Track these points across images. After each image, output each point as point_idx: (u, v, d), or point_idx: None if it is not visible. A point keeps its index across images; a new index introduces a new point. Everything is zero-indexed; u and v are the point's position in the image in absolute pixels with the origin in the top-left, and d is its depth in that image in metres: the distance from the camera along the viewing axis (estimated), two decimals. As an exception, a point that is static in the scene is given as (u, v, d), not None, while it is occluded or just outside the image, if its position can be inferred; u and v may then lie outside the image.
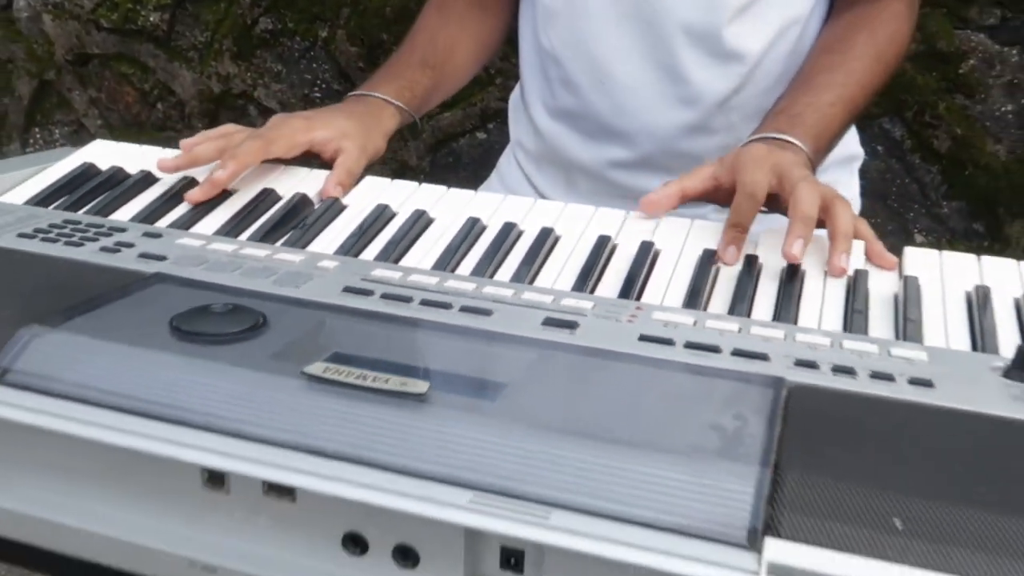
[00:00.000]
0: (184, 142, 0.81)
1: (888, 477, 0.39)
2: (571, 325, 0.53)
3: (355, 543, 0.42)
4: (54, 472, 0.47)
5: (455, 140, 1.85)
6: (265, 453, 0.42)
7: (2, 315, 0.52)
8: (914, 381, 0.48)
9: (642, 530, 0.38)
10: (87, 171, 0.82)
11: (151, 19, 1.92)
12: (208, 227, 0.72)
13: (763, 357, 0.50)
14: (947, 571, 0.35)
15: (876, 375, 0.49)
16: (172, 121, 2.02)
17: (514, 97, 1.21)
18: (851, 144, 1.12)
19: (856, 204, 1.10)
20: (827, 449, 0.42)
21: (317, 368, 0.46)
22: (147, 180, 0.80)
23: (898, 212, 1.63)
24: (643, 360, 0.50)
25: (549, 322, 0.54)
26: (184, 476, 0.44)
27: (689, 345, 0.51)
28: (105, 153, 0.86)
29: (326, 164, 0.83)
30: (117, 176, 0.81)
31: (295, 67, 1.90)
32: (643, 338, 0.52)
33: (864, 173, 1.48)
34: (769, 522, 0.37)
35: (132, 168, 0.82)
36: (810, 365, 0.49)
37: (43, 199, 0.75)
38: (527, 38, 1.10)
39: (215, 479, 0.44)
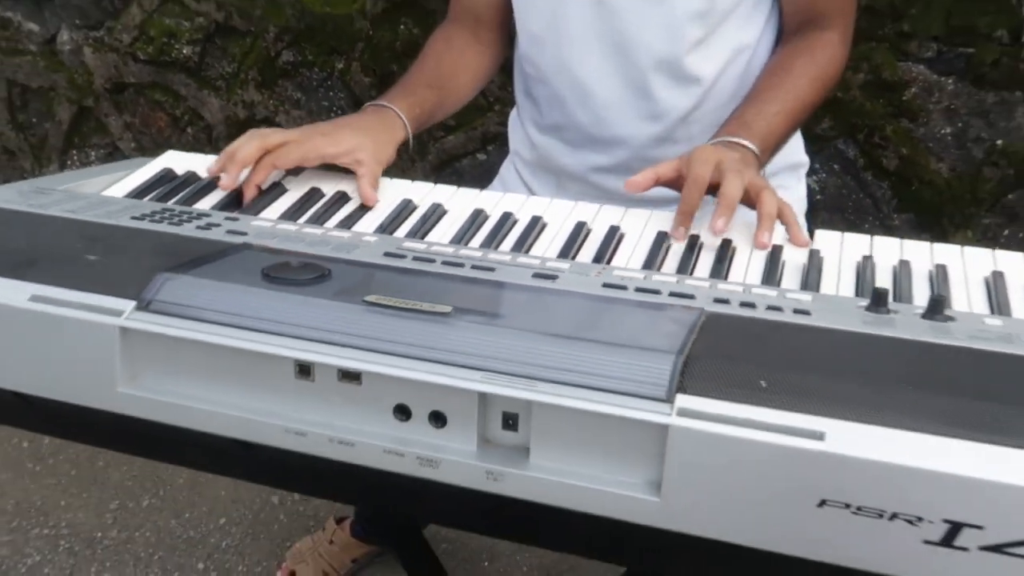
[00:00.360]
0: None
1: (761, 361, 0.59)
2: (553, 277, 0.73)
3: (402, 412, 0.61)
4: (188, 371, 0.66)
5: (458, 160, 2.05)
6: (339, 351, 0.62)
7: (140, 267, 0.71)
8: (797, 311, 0.68)
9: (597, 392, 0.57)
10: (167, 174, 1.01)
11: (184, 52, 2.12)
12: (272, 214, 0.91)
13: (691, 296, 0.70)
14: (790, 409, 0.54)
15: (770, 307, 0.68)
16: (200, 144, 2.22)
17: (512, 116, 1.42)
18: (797, 153, 1.32)
19: (802, 205, 1.29)
20: (724, 348, 0.61)
21: (373, 297, 0.65)
22: (212, 184, 0.99)
23: (854, 224, 1.83)
24: (603, 298, 0.69)
25: (537, 275, 0.73)
26: (281, 369, 0.63)
27: (639, 290, 0.71)
28: (178, 160, 1.05)
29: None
30: (192, 178, 1.00)
31: (314, 95, 2.11)
32: (605, 285, 0.71)
33: (823, 189, 1.70)
34: (679, 385, 0.56)
35: (202, 172, 1.02)
36: (724, 302, 0.69)
37: (138, 193, 0.95)
38: (517, 68, 1.31)
39: (304, 370, 0.63)
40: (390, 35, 1.98)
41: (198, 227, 0.82)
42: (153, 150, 2.18)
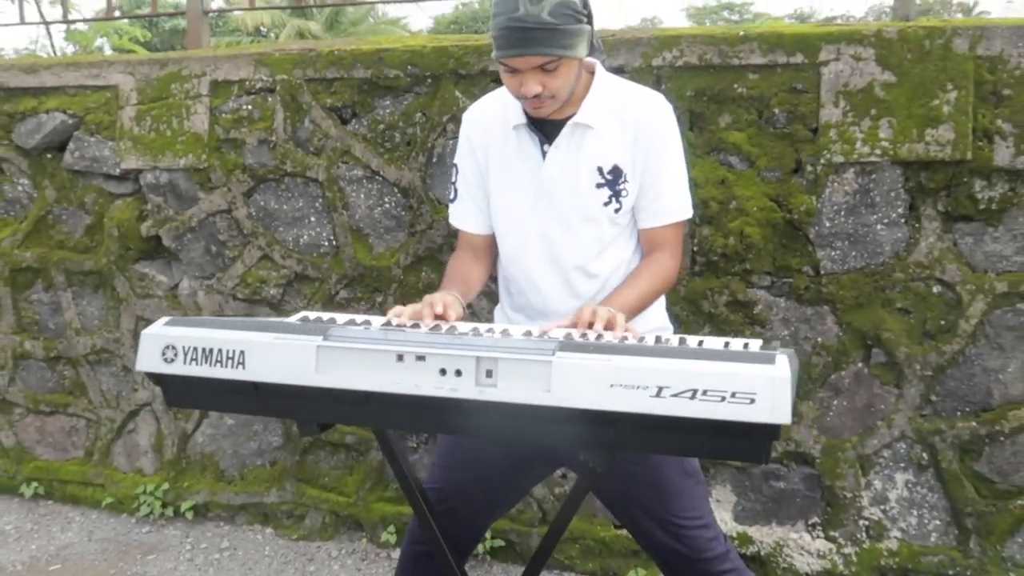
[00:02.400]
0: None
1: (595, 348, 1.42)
2: (508, 333, 1.57)
3: (442, 372, 1.42)
4: (346, 361, 1.47)
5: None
6: (414, 346, 1.44)
7: (316, 329, 1.55)
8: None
9: (529, 352, 1.40)
10: (306, 316, 1.87)
11: (271, 293, 3.04)
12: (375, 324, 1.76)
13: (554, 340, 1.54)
14: (598, 351, 1.37)
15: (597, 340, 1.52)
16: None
17: (497, 308, 2.30)
18: (662, 320, 2.17)
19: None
20: (576, 345, 1.44)
21: (427, 331, 1.49)
22: (333, 319, 1.85)
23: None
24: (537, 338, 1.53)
25: (488, 330, 1.57)
26: (388, 358, 1.45)
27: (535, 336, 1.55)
28: (309, 314, 1.91)
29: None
30: (321, 317, 1.86)
31: (359, 321, 3.00)
32: (524, 334, 1.56)
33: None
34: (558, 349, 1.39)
35: (324, 317, 1.87)
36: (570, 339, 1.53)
37: (298, 319, 1.80)
38: (500, 272, 2.21)
39: (400, 357, 1.45)
40: (415, 279, 2.91)
41: (343, 324, 1.66)
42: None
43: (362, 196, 2.92)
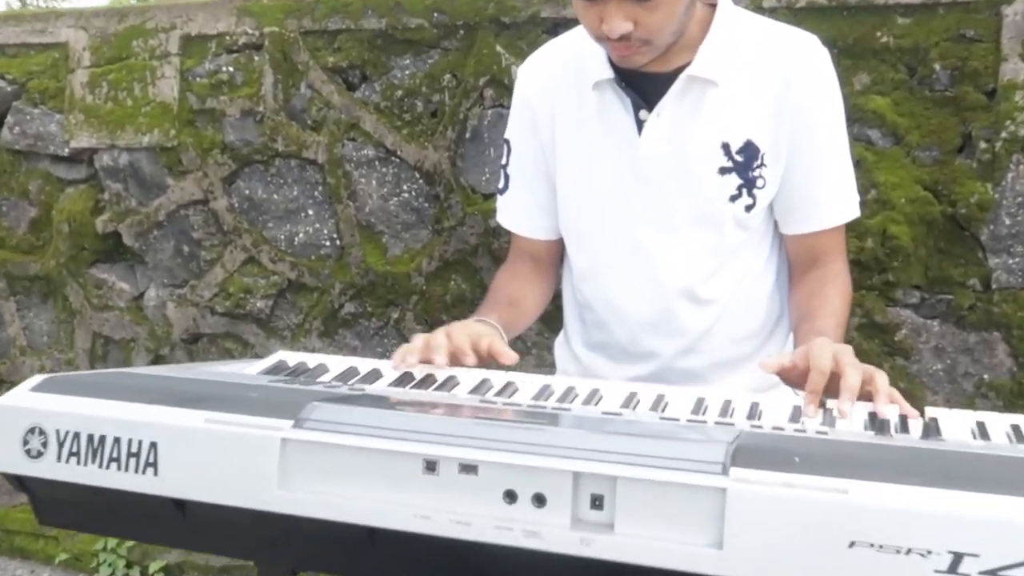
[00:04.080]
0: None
1: (792, 450, 0.76)
2: (618, 415, 0.91)
3: (509, 496, 0.77)
4: (336, 473, 0.83)
5: (498, 399, 2.25)
6: (459, 451, 0.79)
7: (291, 401, 0.90)
8: (818, 432, 0.85)
9: (667, 471, 0.74)
10: (282, 363, 1.22)
11: (258, 305, 2.41)
12: (377, 385, 1.11)
13: (732, 424, 0.88)
14: (819, 474, 0.70)
15: (796, 430, 0.86)
16: (263, 386, 2.44)
17: (559, 340, 1.65)
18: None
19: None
20: (763, 443, 0.78)
21: (483, 414, 0.83)
22: (322, 368, 1.20)
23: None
24: (663, 420, 0.87)
25: (606, 413, 0.91)
26: (411, 466, 0.80)
27: (690, 420, 0.89)
28: (288, 356, 1.26)
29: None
30: (301, 367, 1.21)
31: (369, 343, 2.36)
32: (663, 419, 0.90)
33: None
34: (733, 460, 0.73)
35: (310, 364, 1.22)
36: (758, 427, 0.87)
37: (265, 373, 1.15)
38: (568, 296, 1.56)
39: (430, 466, 0.80)
40: (441, 290, 2.26)
41: (325, 387, 1.02)
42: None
43: (374, 183, 2.28)
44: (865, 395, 1.07)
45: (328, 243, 2.36)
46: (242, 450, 0.84)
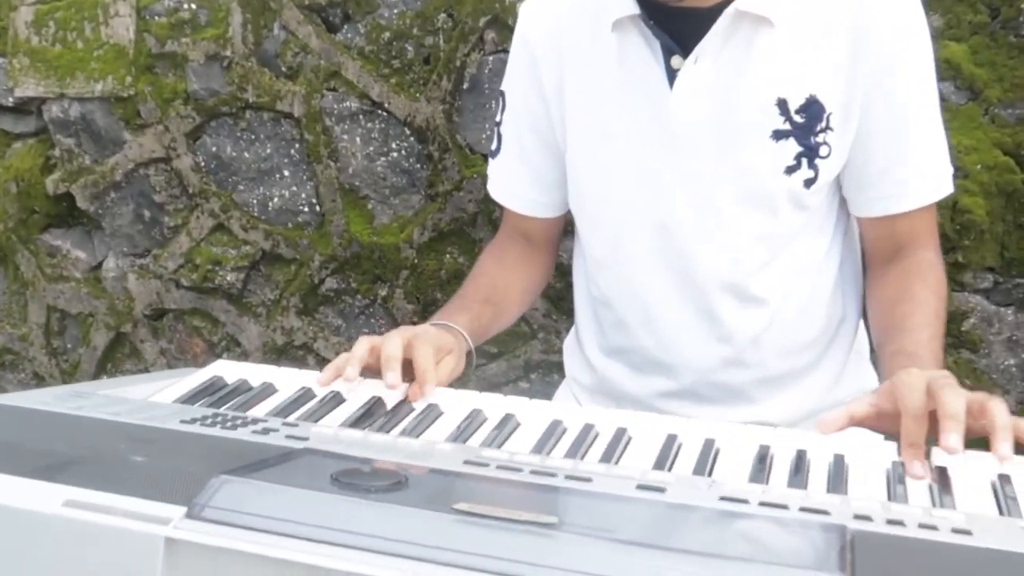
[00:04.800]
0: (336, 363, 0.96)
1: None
2: (659, 489, 0.64)
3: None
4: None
5: (499, 389, 1.99)
6: (429, 569, 0.52)
7: (191, 471, 0.63)
8: (956, 531, 0.58)
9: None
10: (217, 382, 0.95)
11: (228, 278, 2.14)
12: (331, 421, 0.84)
13: (825, 512, 0.60)
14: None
15: (923, 526, 0.58)
16: (235, 369, 2.18)
17: (569, 341, 1.37)
18: (868, 380, 1.25)
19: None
20: (890, 572, 0.51)
21: (462, 506, 0.56)
22: (269, 389, 0.93)
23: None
24: (724, 512, 0.60)
25: (641, 487, 0.64)
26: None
27: (763, 504, 0.61)
28: (227, 369, 0.99)
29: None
30: (243, 386, 0.94)
31: (354, 322, 2.09)
32: (723, 499, 0.62)
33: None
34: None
35: (253, 381, 0.95)
36: (865, 518, 0.59)
37: (187, 399, 0.88)
38: (580, 289, 1.28)
39: (381, 592, 0.53)
40: (435, 263, 1.99)
41: (254, 431, 0.74)
42: (185, 376, 2.14)
43: (358, 140, 1.99)
44: (978, 429, 0.80)
45: (306, 209, 2.07)
46: (113, 551, 0.58)
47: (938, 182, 1.08)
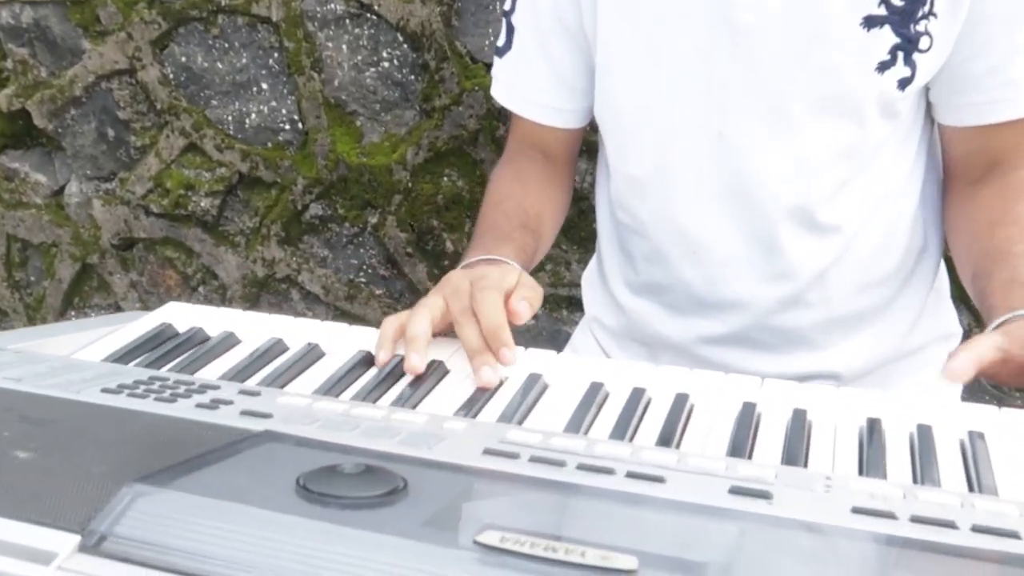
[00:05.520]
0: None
1: None
2: (764, 495, 0.45)
3: None
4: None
5: (503, 326, 1.81)
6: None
7: (95, 474, 0.44)
8: None
9: None
10: (165, 331, 0.76)
11: (202, 204, 1.93)
12: (304, 387, 0.65)
13: (1014, 535, 0.41)
14: None
15: None
16: (213, 305, 1.98)
17: (589, 273, 1.18)
18: (949, 322, 1.07)
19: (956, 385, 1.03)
20: None
21: (490, 537, 0.37)
22: (230, 340, 0.74)
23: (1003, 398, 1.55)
24: (867, 536, 0.41)
25: (736, 491, 0.45)
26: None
27: (915, 519, 0.43)
28: (181, 314, 0.80)
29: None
30: (197, 336, 0.75)
31: (342, 252, 1.90)
32: (856, 511, 0.44)
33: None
34: None
35: (211, 330, 0.76)
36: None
37: (122, 356, 0.69)
38: (606, 215, 1.08)
39: None
40: (431, 187, 1.78)
41: (199, 405, 0.55)
42: (159, 312, 1.95)
43: (344, 48, 1.77)
44: None
45: (287, 127, 1.85)
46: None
47: None
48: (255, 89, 1.85)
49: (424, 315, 0.73)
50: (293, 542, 0.38)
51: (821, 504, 0.44)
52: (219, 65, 1.86)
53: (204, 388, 0.59)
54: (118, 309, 2.09)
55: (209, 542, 0.39)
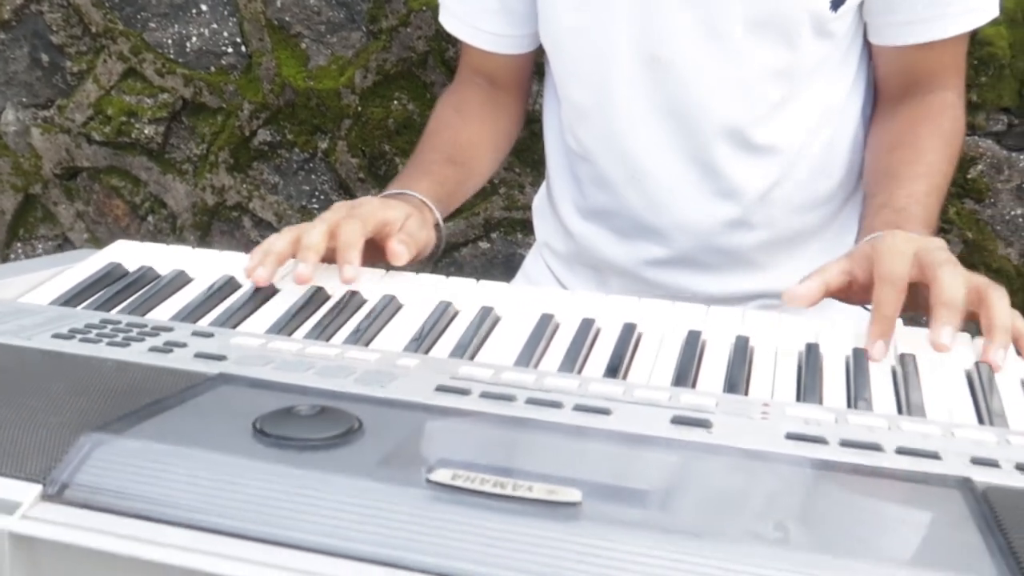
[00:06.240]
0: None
1: None
2: (704, 424, 0.47)
3: None
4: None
5: (457, 250, 1.81)
6: (395, 577, 0.35)
7: (53, 423, 0.44)
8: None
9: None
10: (114, 271, 0.75)
11: (145, 132, 1.88)
12: (258, 326, 0.65)
13: (934, 456, 0.44)
14: None
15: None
16: (163, 235, 1.96)
17: (539, 199, 1.19)
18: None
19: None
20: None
21: (442, 475, 0.39)
22: (181, 279, 0.74)
23: (916, 317, 1.60)
24: (804, 462, 0.44)
25: (678, 421, 0.48)
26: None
27: (844, 443, 0.45)
28: (130, 253, 0.80)
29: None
30: (148, 275, 0.75)
31: (292, 179, 1.87)
32: (790, 437, 0.46)
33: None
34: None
35: (162, 268, 0.76)
36: (989, 464, 0.44)
37: (71, 299, 0.69)
38: (553, 141, 1.09)
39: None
40: (381, 111, 1.76)
41: (152, 348, 0.56)
42: (109, 242, 1.92)
43: (286, -33, 1.71)
44: (969, 317, 0.65)
45: (230, 50, 1.80)
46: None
47: (982, 4, 0.90)
48: (194, 11, 1.79)
49: (316, 229, 0.74)
50: (251, 484, 0.40)
51: (757, 431, 0.47)
52: (156, -14, 1.79)
53: (157, 330, 0.59)
54: (65, 240, 2.05)
55: (169, 487, 0.40)
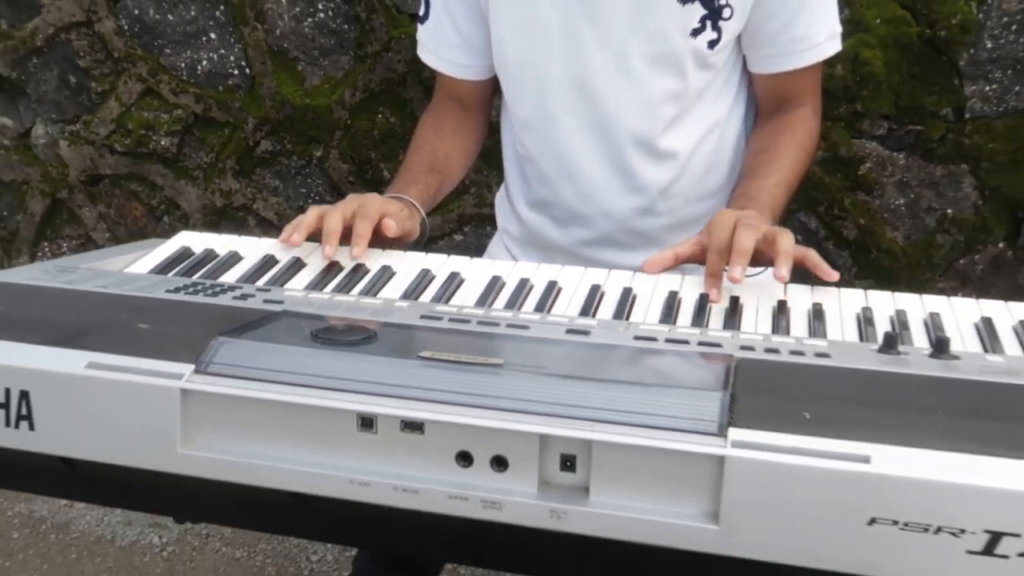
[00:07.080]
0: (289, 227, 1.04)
1: (797, 396, 0.63)
2: (585, 332, 0.77)
3: (464, 458, 0.64)
4: (250, 430, 0.68)
5: (435, 242, 2.10)
6: (401, 404, 0.65)
7: (192, 334, 0.73)
8: (818, 354, 0.73)
9: (653, 430, 0.61)
10: (185, 252, 1.04)
11: (162, 143, 2.16)
12: (298, 284, 0.95)
13: (718, 345, 0.74)
14: (836, 437, 0.58)
15: (793, 352, 0.73)
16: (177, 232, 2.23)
17: (500, 195, 1.48)
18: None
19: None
20: (762, 386, 0.66)
21: (427, 354, 0.69)
22: (235, 257, 1.03)
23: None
24: (638, 349, 0.74)
25: (570, 331, 0.77)
26: (343, 423, 0.66)
27: (669, 340, 0.75)
28: (194, 240, 1.08)
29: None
30: (211, 255, 1.03)
31: (291, 183, 2.15)
32: (636, 338, 0.76)
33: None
34: (730, 419, 0.61)
35: (220, 250, 1.05)
36: (749, 348, 0.74)
37: (162, 269, 0.98)
38: (509, 147, 1.38)
39: (366, 423, 0.66)
40: (367, 123, 2.04)
41: (234, 298, 0.85)
42: (128, 240, 2.19)
43: (283, 1, 1.99)
44: (767, 261, 0.95)
45: (236, 72, 2.09)
46: (135, 403, 0.69)
47: (827, 41, 1.19)
48: (204, 39, 2.07)
49: (335, 216, 1.03)
50: (315, 364, 0.69)
51: (618, 337, 0.77)
52: (170, 17, 2.07)
53: (232, 288, 0.89)
54: (88, 239, 2.32)
55: (269, 366, 0.69)
